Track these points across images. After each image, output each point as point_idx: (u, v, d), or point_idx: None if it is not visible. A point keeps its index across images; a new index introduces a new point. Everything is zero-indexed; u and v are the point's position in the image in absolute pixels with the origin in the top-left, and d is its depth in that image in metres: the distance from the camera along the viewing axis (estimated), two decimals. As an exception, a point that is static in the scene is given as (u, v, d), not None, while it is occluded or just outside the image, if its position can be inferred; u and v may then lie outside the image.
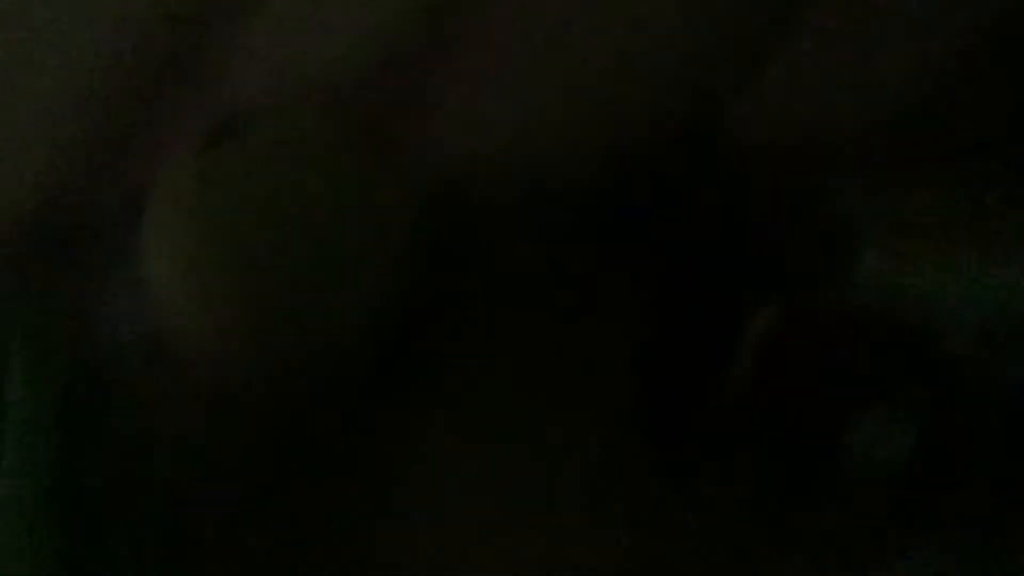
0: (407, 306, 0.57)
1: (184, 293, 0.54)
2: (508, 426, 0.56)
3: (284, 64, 0.61)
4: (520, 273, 0.61)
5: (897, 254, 0.51)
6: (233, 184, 0.55)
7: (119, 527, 0.34)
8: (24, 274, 0.60)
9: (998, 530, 0.49)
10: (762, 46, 0.60)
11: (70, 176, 0.62)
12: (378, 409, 0.58)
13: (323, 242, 0.55)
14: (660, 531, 0.52)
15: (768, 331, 0.50)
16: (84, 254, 0.60)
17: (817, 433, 0.50)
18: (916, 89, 0.61)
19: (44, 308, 0.37)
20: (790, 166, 0.55)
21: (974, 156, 0.58)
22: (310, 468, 0.56)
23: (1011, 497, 0.49)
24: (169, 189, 0.55)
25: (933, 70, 0.60)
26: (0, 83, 0.61)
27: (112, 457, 0.37)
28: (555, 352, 0.59)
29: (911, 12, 0.60)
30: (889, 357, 0.49)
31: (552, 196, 0.59)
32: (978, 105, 0.60)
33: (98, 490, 0.33)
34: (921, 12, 0.60)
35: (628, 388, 0.55)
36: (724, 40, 0.60)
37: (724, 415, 0.52)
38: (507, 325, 0.61)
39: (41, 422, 0.32)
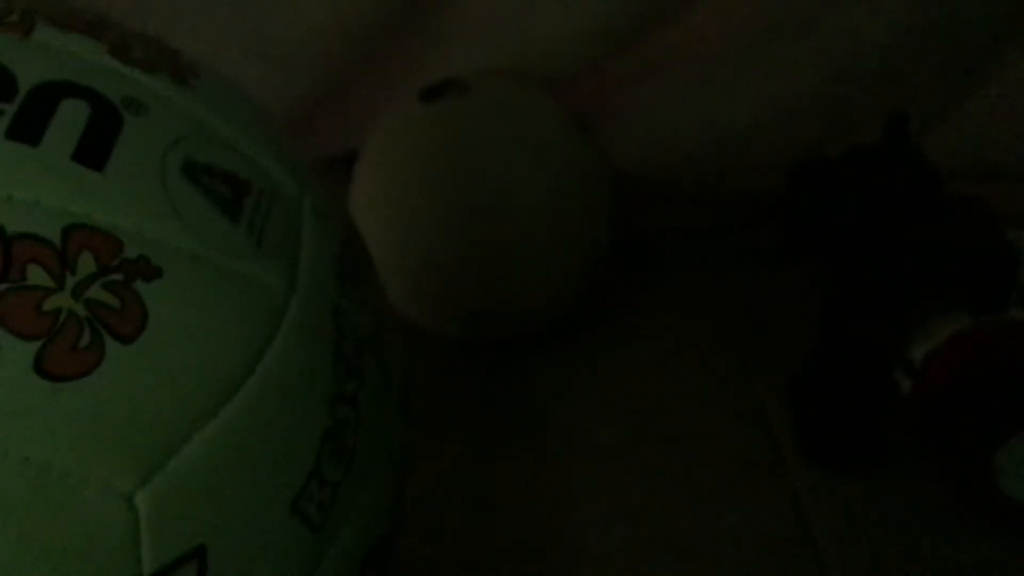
0: (595, 274, 0.60)
1: (389, 240, 0.57)
2: (657, 420, 0.59)
3: (500, 42, 0.64)
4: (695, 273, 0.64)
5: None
6: (452, 134, 0.58)
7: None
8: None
9: None
10: (968, 77, 0.61)
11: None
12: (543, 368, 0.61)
13: (527, 205, 0.56)
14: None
15: (949, 341, 0.52)
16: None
17: (978, 444, 0.51)
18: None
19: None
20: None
21: None
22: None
23: None
24: (390, 132, 0.58)
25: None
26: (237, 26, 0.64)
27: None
28: (716, 350, 0.61)
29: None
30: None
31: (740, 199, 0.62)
32: None
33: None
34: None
35: (797, 388, 0.57)
36: (934, 64, 0.61)
37: (891, 422, 0.53)
38: (677, 318, 0.64)
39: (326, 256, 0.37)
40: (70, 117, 0.32)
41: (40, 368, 0.29)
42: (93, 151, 0.32)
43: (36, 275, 0.29)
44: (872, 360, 0.54)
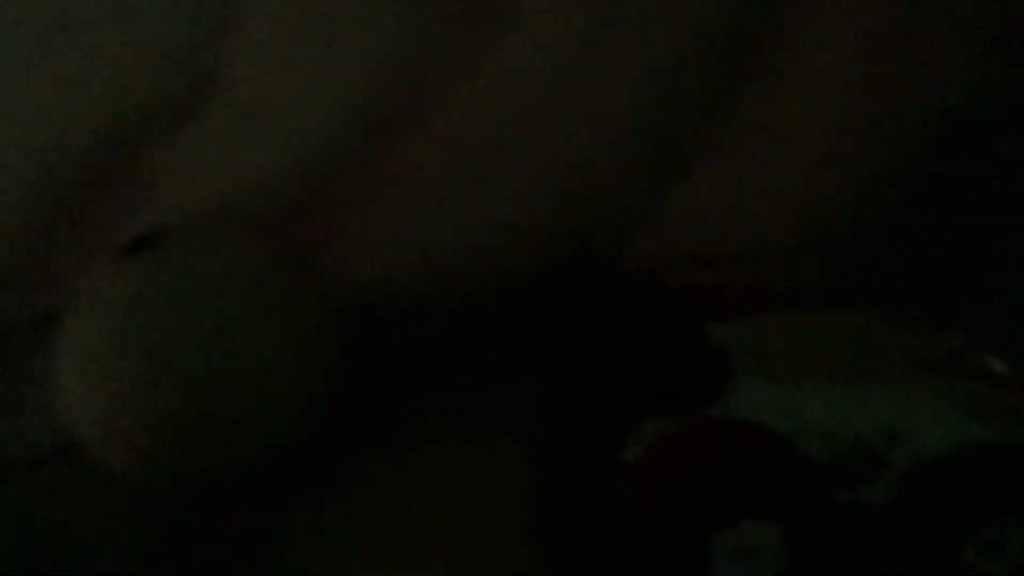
0: (323, 418, 0.60)
1: (95, 400, 0.56)
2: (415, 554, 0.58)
3: (212, 181, 0.64)
4: (434, 389, 0.64)
5: (766, 377, 0.54)
6: (151, 293, 0.57)
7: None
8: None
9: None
10: (667, 177, 0.64)
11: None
12: (290, 509, 0.60)
13: (237, 355, 0.56)
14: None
15: (652, 445, 0.53)
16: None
17: (690, 541, 0.53)
18: (806, 225, 0.65)
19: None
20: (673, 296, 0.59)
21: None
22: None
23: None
24: (88, 294, 0.58)
25: (816, 212, 0.64)
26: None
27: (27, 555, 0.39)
28: (462, 467, 0.62)
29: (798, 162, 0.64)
30: (760, 470, 0.52)
31: (466, 315, 0.63)
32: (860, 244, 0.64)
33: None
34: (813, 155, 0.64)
35: (532, 503, 0.58)
36: (632, 168, 0.64)
37: (613, 523, 0.55)
38: (420, 441, 0.64)
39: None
40: None
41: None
42: None
43: None
44: (594, 470, 0.55)
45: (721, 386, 0.54)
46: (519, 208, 0.63)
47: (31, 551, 0.43)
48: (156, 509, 0.58)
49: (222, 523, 0.58)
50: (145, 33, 0.62)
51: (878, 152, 0.64)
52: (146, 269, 0.58)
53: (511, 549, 0.57)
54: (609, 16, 0.62)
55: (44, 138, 0.62)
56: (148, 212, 0.63)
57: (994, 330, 0.60)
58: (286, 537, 0.58)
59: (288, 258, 0.61)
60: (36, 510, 0.54)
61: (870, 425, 0.53)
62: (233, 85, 0.62)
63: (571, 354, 0.57)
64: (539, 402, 0.58)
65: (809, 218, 0.65)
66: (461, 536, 0.58)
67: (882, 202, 0.64)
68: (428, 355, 0.65)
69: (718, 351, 0.54)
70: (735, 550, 0.52)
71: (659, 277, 0.58)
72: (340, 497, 0.60)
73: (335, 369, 0.60)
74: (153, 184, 0.63)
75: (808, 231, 0.65)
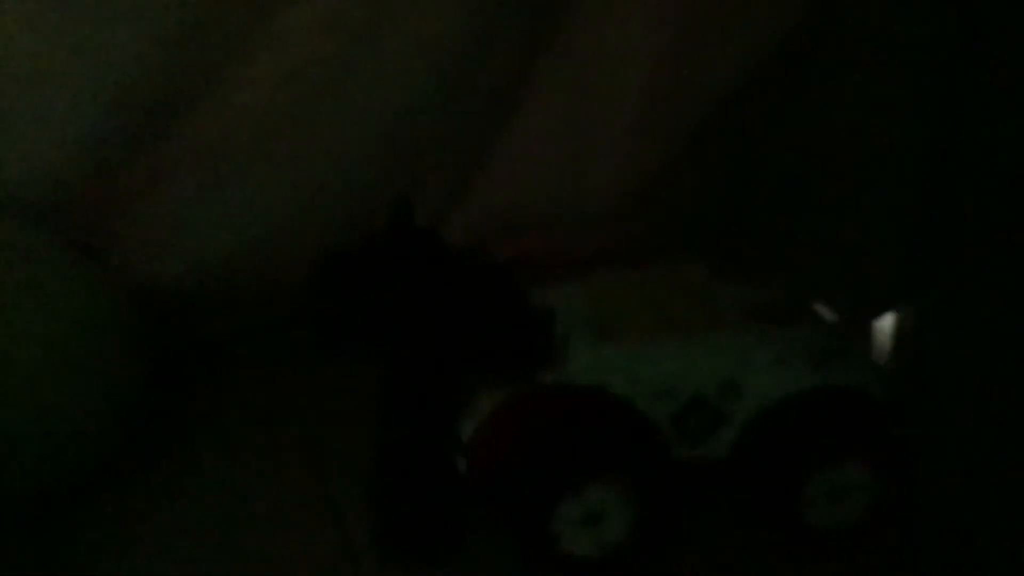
0: (121, 422, 0.55)
1: None
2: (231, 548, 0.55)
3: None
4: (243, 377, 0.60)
5: (600, 338, 0.53)
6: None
7: None
8: None
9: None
10: (470, 148, 0.61)
11: None
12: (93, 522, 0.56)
13: (13, 360, 0.51)
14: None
15: (486, 418, 0.51)
16: None
17: (533, 511, 0.51)
18: (627, 184, 0.64)
19: None
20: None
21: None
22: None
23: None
24: None
25: (638, 171, 0.63)
26: None
27: None
28: (289, 460, 0.59)
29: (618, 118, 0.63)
30: (599, 435, 0.51)
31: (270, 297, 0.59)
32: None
33: None
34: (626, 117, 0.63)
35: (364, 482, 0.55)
36: (444, 138, 0.61)
37: (452, 500, 0.52)
38: (231, 431, 0.60)
39: None
40: None
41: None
42: None
43: None
44: (428, 444, 0.53)
45: (552, 351, 0.52)
46: (327, 177, 0.60)
47: None
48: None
49: (16, 545, 0.54)
50: None
51: (694, 110, 0.64)
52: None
53: (340, 539, 0.55)
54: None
55: None
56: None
57: (817, 277, 0.61)
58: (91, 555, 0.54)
59: (70, 249, 0.56)
60: None
61: (706, 380, 0.52)
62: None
63: (394, 329, 0.54)
64: (367, 383, 0.55)
65: (629, 177, 0.64)
66: (285, 532, 0.55)
67: (701, 159, 0.64)
68: (243, 343, 0.61)
69: (547, 315, 0.52)
70: (581, 518, 0.51)
71: (482, 245, 0.56)
72: (150, 503, 0.57)
73: (131, 368, 0.56)
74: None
75: (629, 190, 0.64)
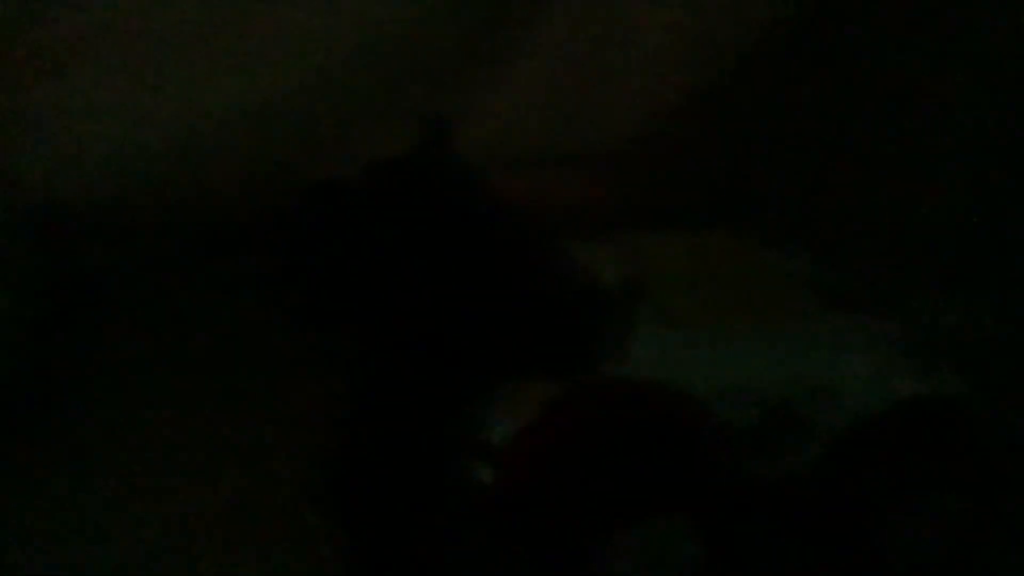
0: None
1: None
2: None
3: None
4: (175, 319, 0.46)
5: (660, 318, 0.42)
6: None
7: None
8: None
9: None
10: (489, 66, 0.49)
11: None
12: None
13: None
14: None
15: (522, 430, 0.39)
16: None
17: (583, 542, 0.39)
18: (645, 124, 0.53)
19: None
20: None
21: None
22: None
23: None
24: None
25: (660, 104, 0.53)
26: None
27: None
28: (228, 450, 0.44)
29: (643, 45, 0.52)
30: (670, 448, 0.40)
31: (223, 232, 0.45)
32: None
33: None
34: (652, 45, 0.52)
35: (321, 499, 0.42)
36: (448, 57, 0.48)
37: (470, 528, 0.40)
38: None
39: None
40: None
41: None
42: None
43: None
44: (427, 451, 0.40)
45: (611, 334, 0.40)
46: (301, 75, 0.45)
47: None
48: None
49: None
50: None
51: (716, 58, 0.53)
52: None
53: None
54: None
55: None
56: None
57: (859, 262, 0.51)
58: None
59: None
60: None
61: (789, 379, 0.41)
62: None
63: (379, 288, 0.41)
64: (336, 361, 0.42)
65: (641, 116, 0.53)
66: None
67: (722, 111, 0.54)
68: (164, 282, 0.46)
69: (597, 283, 0.40)
70: (641, 552, 0.39)
71: (495, 179, 0.43)
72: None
73: (43, 291, 0.41)
74: None
75: (639, 131, 0.53)
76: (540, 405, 0.39)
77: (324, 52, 0.47)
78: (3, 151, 0.43)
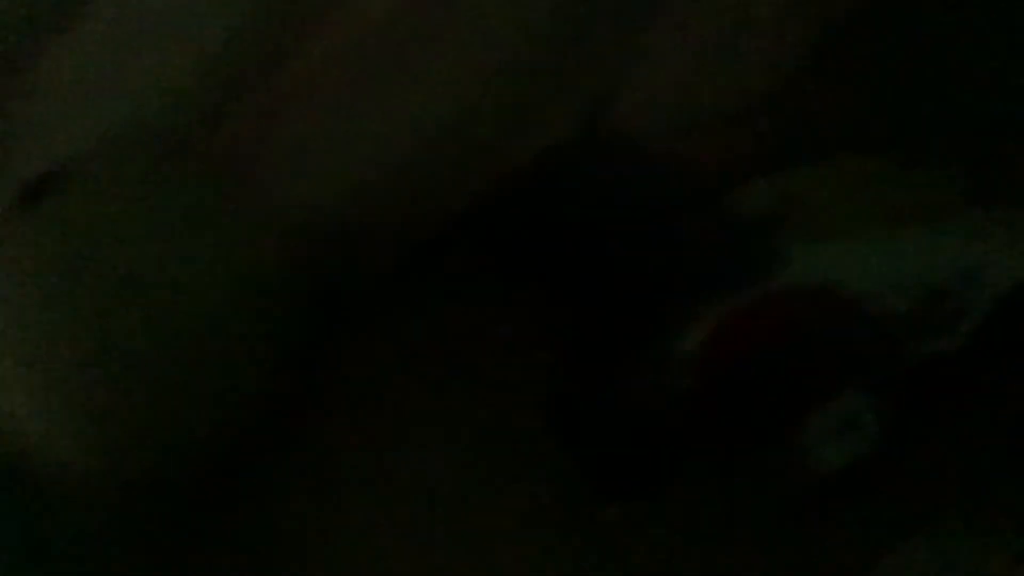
0: (294, 367, 0.49)
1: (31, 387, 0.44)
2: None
3: (94, 109, 0.52)
4: (409, 314, 0.54)
5: (817, 236, 0.49)
6: (61, 248, 0.46)
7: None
8: None
9: (978, 516, 0.47)
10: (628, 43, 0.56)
11: None
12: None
13: (180, 309, 0.46)
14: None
15: (710, 337, 0.47)
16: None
17: (773, 436, 0.46)
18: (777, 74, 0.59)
19: None
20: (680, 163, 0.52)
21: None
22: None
23: (982, 482, 0.48)
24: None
25: (791, 56, 0.59)
26: None
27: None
28: (456, 397, 0.53)
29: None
30: (839, 342, 0.47)
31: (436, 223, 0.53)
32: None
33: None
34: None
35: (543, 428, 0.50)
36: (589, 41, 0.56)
37: (667, 434, 0.48)
38: (401, 376, 0.54)
39: None
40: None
41: None
42: None
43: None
44: (635, 370, 0.48)
45: (772, 256, 0.47)
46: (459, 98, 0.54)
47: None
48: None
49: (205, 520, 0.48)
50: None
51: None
52: (47, 221, 0.47)
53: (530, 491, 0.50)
54: None
55: None
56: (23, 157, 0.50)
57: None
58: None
59: (215, 184, 0.50)
60: None
61: (941, 268, 0.48)
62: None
63: (580, 251, 0.49)
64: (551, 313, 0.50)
65: (768, 74, 0.59)
66: (471, 489, 0.50)
67: (849, 51, 0.60)
68: (401, 281, 0.55)
69: (756, 216, 0.48)
70: (834, 427, 0.46)
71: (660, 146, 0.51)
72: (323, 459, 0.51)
73: (299, 309, 0.50)
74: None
75: (765, 88, 0.59)
76: (720, 319, 0.47)
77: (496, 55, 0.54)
78: (261, 179, 0.53)
